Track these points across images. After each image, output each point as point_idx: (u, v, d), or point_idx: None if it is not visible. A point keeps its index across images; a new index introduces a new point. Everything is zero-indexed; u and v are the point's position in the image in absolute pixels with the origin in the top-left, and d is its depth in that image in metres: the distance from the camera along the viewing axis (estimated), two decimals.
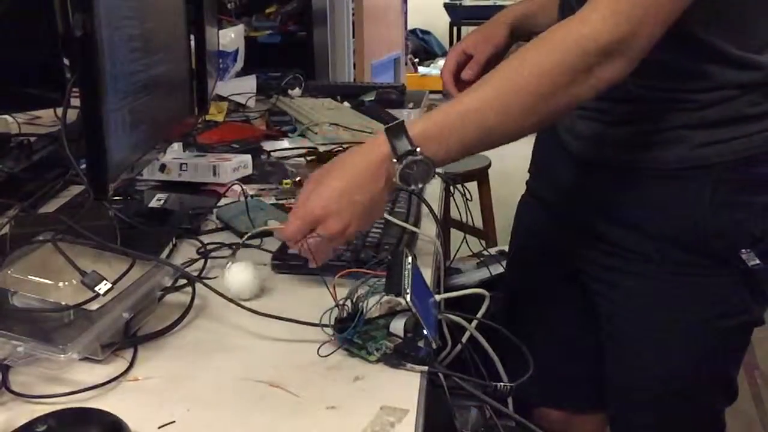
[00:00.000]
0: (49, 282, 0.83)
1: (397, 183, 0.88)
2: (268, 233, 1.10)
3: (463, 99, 0.89)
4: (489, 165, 2.78)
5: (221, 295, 0.88)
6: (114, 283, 0.81)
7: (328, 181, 0.88)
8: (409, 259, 0.84)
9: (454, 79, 1.28)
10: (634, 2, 0.85)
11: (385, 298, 0.80)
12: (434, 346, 0.79)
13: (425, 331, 0.77)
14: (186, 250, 1.08)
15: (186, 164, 1.35)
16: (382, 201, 0.90)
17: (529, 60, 0.88)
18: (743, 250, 1.01)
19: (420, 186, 0.88)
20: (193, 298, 0.89)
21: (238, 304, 0.87)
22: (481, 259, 1.85)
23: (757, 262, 1.01)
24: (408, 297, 0.77)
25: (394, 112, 1.98)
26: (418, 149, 0.86)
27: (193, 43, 1.37)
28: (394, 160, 0.86)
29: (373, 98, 2.11)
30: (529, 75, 0.87)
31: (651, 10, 0.85)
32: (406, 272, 0.81)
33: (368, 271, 0.89)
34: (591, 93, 0.89)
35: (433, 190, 1.38)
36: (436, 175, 1.40)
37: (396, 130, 0.87)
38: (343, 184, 0.87)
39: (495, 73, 0.90)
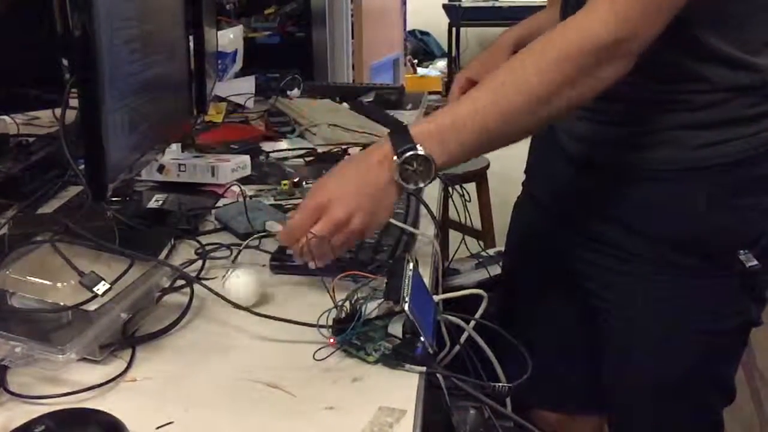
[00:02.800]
0: (48, 282, 0.83)
1: (399, 182, 0.88)
2: (266, 234, 1.11)
3: (464, 101, 0.90)
4: (488, 166, 2.78)
5: (219, 296, 0.88)
6: (112, 283, 0.81)
7: (331, 177, 0.90)
8: (411, 265, 0.84)
9: None
10: (632, 3, 0.85)
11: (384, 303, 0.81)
12: (431, 351, 0.79)
13: (421, 339, 0.77)
14: (184, 251, 1.08)
15: (185, 165, 1.35)
16: (387, 199, 0.90)
17: (529, 62, 0.89)
18: (741, 252, 1.01)
19: (421, 185, 0.88)
20: (191, 299, 0.89)
21: (237, 306, 0.87)
22: (480, 260, 1.85)
23: (755, 263, 1.01)
24: (407, 305, 0.77)
25: (392, 113, 1.98)
26: (418, 146, 0.86)
27: (191, 43, 1.37)
28: (395, 157, 0.87)
29: (372, 99, 2.11)
30: (529, 77, 0.88)
31: (649, 9, 0.86)
32: (407, 279, 0.81)
33: (367, 275, 0.89)
34: (591, 94, 0.90)
35: (432, 191, 1.38)
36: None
37: (398, 131, 0.89)
38: (346, 177, 0.90)
39: (495, 75, 0.90)
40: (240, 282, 0.91)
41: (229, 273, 0.92)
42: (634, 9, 0.85)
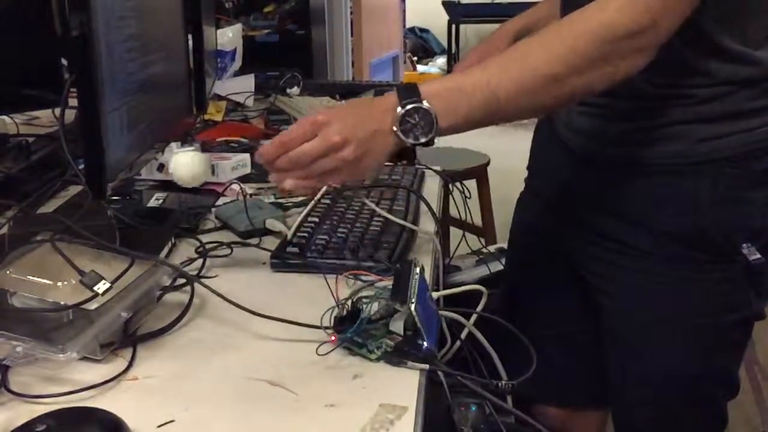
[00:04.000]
0: (48, 282, 0.83)
1: (398, 133, 0.87)
2: (267, 232, 1.11)
3: (477, 69, 0.90)
4: (488, 163, 2.78)
5: (220, 295, 0.88)
6: (113, 282, 0.81)
7: (336, 107, 0.91)
8: (417, 269, 0.84)
9: None
10: None
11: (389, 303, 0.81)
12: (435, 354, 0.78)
13: (425, 343, 0.77)
14: (185, 250, 1.08)
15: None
16: (382, 145, 0.88)
17: (545, 42, 0.89)
18: (744, 245, 1.01)
19: (421, 140, 0.87)
20: (191, 298, 0.89)
21: (236, 305, 0.87)
22: (481, 256, 1.85)
23: (758, 256, 1.01)
24: (413, 306, 0.77)
25: None
26: (423, 101, 0.86)
27: (191, 42, 1.36)
28: (399, 108, 0.87)
29: (371, 97, 2.11)
30: (543, 56, 0.87)
31: (669, 2, 0.86)
32: (414, 282, 0.81)
33: (370, 275, 0.89)
34: (605, 83, 0.89)
35: (432, 188, 1.38)
36: (435, 173, 1.42)
37: (407, 85, 0.89)
38: (349, 111, 0.90)
39: (512, 49, 0.91)
40: (183, 160, 0.89)
41: (173, 154, 0.88)
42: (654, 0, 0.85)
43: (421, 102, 0.86)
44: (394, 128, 0.87)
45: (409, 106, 0.86)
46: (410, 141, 0.88)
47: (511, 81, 0.87)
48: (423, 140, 0.87)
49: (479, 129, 0.92)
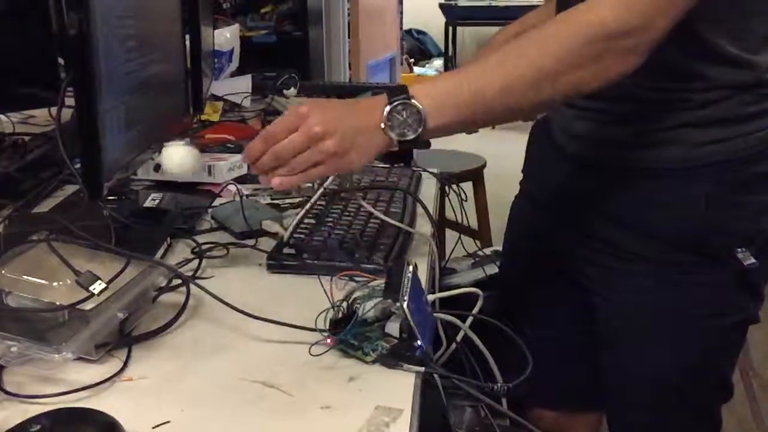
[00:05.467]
0: (44, 282, 0.83)
1: (385, 129, 0.87)
2: (263, 233, 1.10)
3: (465, 68, 0.91)
4: (484, 165, 2.78)
5: (215, 297, 0.88)
6: (108, 282, 0.81)
7: (323, 101, 0.91)
8: (411, 268, 0.84)
9: None
10: None
11: (382, 302, 0.81)
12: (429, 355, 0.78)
13: (419, 342, 0.77)
14: (181, 250, 1.08)
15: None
16: (367, 141, 0.88)
17: (536, 40, 0.89)
18: (738, 250, 1.02)
19: (409, 136, 0.87)
20: (187, 299, 0.89)
21: (232, 307, 0.87)
22: (476, 259, 1.85)
23: (753, 261, 1.02)
24: (405, 304, 0.77)
25: None
26: (412, 99, 0.87)
27: (188, 42, 1.36)
28: (387, 106, 0.87)
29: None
30: (535, 52, 0.87)
31: (662, 1, 0.86)
32: (406, 280, 0.81)
33: (365, 275, 0.89)
34: (596, 82, 0.89)
35: (428, 190, 1.38)
36: (431, 175, 1.42)
37: (397, 86, 0.91)
38: (335, 106, 0.91)
39: (502, 49, 0.90)
40: (175, 154, 0.89)
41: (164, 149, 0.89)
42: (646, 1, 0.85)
43: (409, 99, 0.87)
44: (382, 125, 0.87)
45: (396, 103, 0.87)
46: (397, 137, 0.88)
47: (499, 78, 0.87)
48: (410, 137, 0.87)
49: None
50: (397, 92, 0.87)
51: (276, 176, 0.89)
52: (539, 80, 0.87)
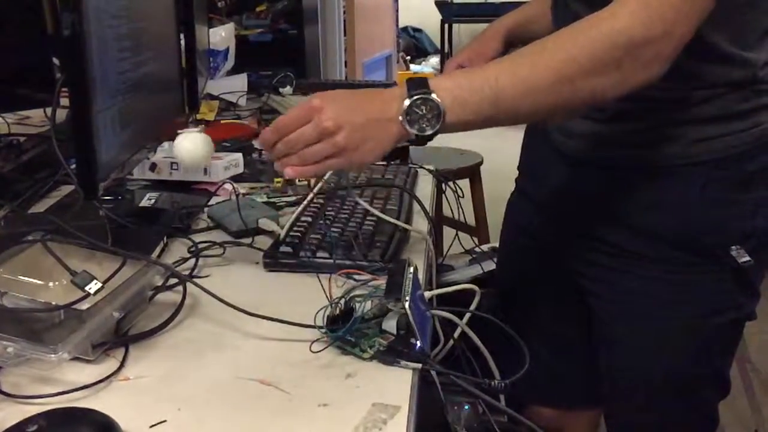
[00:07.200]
0: (39, 282, 0.83)
1: (403, 122, 0.86)
2: (259, 231, 1.10)
3: (488, 67, 0.89)
4: (481, 162, 2.78)
5: (212, 295, 0.88)
6: (104, 282, 0.81)
7: (338, 92, 0.89)
8: (411, 269, 0.84)
9: None
10: (665, 1, 0.84)
11: (380, 299, 0.81)
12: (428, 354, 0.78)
13: (418, 342, 0.77)
14: (177, 249, 1.08)
15: (177, 163, 1.35)
16: (382, 134, 0.87)
17: (558, 44, 0.87)
18: (733, 247, 1.02)
19: (427, 132, 0.86)
20: (184, 298, 0.89)
21: (229, 305, 0.87)
22: (473, 256, 1.84)
23: (748, 258, 1.02)
24: (407, 304, 0.77)
25: None
26: (432, 93, 0.85)
27: (183, 41, 1.36)
28: (406, 99, 0.86)
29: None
30: (555, 55, 0.86)
31: (684, 9, 0.84)
32: (407, 281, 0.81)
33: (363, 274, 0.89)
34: (616, 90, 0.87)
35: (425, 187, 1.38)
36: (428, 172, 1.42)
37: (417, 78, 0.87)
38: (350, 97, 0.89)
39: (523, 50, 0.89)
40: (187, 144, 0.89)
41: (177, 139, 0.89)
42: (667, 7, 0.84)
43: (429, 93, 0.85)
44: (400, 118, 0.86)
45: (416, 97, 0.85)
46: (414, 131, 0.86)
47: (520, 79, 0.86)
48: (429, 132, 0.86)
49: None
50: (418, 84, 0.86)
51: (287, 165, 0.88)
52: (559, 83, 0.86)
